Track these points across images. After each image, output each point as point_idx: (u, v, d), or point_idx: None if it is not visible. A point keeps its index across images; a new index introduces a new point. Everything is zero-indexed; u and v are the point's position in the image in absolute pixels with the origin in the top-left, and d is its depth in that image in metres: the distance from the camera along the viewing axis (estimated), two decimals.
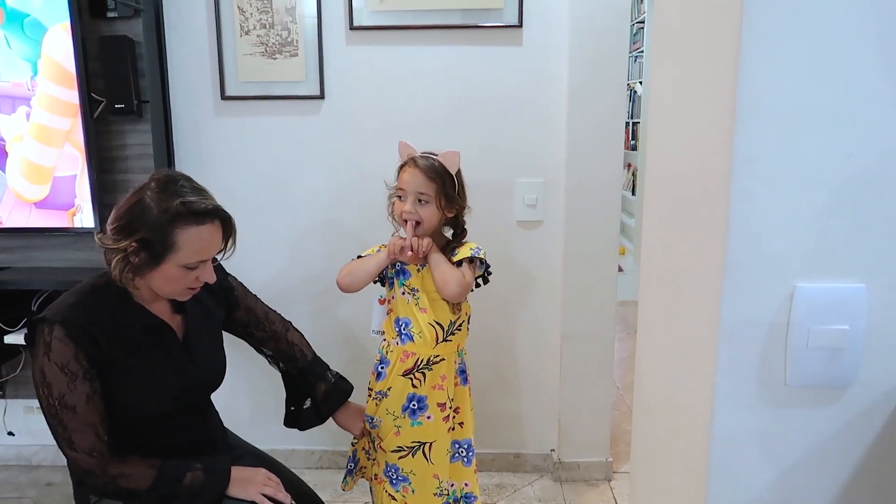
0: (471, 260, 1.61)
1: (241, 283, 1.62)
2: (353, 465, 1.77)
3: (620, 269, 2.19)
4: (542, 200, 2.13)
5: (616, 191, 2.11)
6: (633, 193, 5.68)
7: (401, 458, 1.65)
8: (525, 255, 2.17)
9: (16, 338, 1.97)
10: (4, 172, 1.97)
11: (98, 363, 1.27)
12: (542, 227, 2.15)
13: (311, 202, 2.16)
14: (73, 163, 1.95)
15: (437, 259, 1.59)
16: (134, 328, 1.33)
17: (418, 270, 1.61)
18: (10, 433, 2.36)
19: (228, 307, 1.56)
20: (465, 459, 1.70)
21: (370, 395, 1.69)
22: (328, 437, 2.33)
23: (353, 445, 1.77)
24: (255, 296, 1.64)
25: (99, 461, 1.29)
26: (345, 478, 1.78)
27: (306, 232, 2.18)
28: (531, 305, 2.21)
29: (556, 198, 2.13)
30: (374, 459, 1.73)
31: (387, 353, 1.65)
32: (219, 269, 1.61)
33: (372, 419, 1.67)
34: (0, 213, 2.00)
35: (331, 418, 1.68)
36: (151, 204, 1.26)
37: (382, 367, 1.65)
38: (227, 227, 1.35)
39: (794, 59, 0.68)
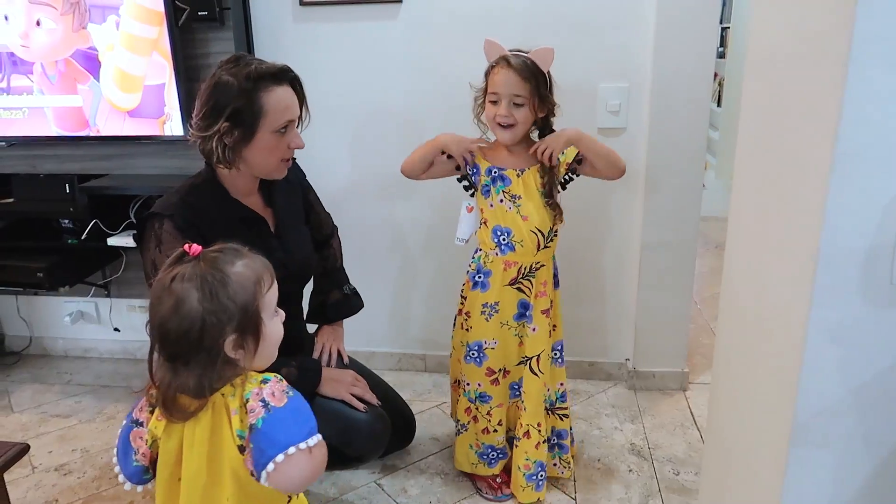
0: (579, 161, 1.58)
1: (312, 187, 1.69)
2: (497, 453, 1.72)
3: (703, 186, 2.10)
4: (626, 106, 2.05)
5: (705, 97, 2.00)
6: (719, 105, 5.38)
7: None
8: None
9: (118, 240, 2.10)
10: (99, 82, 2.05)
11: None
12: (625, 135, 2.08)
13: (392, 108, 2.15)
14: (161, 71, 2.00)
15: (589, 138, 1.54)
16: (233, 220, 1.40)
17: (518, 175, 1.56)
18: (116, 329, 2.56)
19: (306, 206, 1.63)
20: (559, 361, 1.71)
21: (462, 308, 1.66)
22: (406, 340, 2.41)
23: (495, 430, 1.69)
24: (318, 199, 1.71)
25: None
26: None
27: (387, 138, 2.18)
28: (611, 214, 2.17)
29: (641, 104, 2.05)
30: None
31: (485, 263, 1.60)
32: (297, 169, 1.67)
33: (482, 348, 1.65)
34: (97, 121, 2.10)
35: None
36: (230, 79, 1.32)
37: (482, 278, 1.60)
38: (299, 89, 1.42)
39: None
